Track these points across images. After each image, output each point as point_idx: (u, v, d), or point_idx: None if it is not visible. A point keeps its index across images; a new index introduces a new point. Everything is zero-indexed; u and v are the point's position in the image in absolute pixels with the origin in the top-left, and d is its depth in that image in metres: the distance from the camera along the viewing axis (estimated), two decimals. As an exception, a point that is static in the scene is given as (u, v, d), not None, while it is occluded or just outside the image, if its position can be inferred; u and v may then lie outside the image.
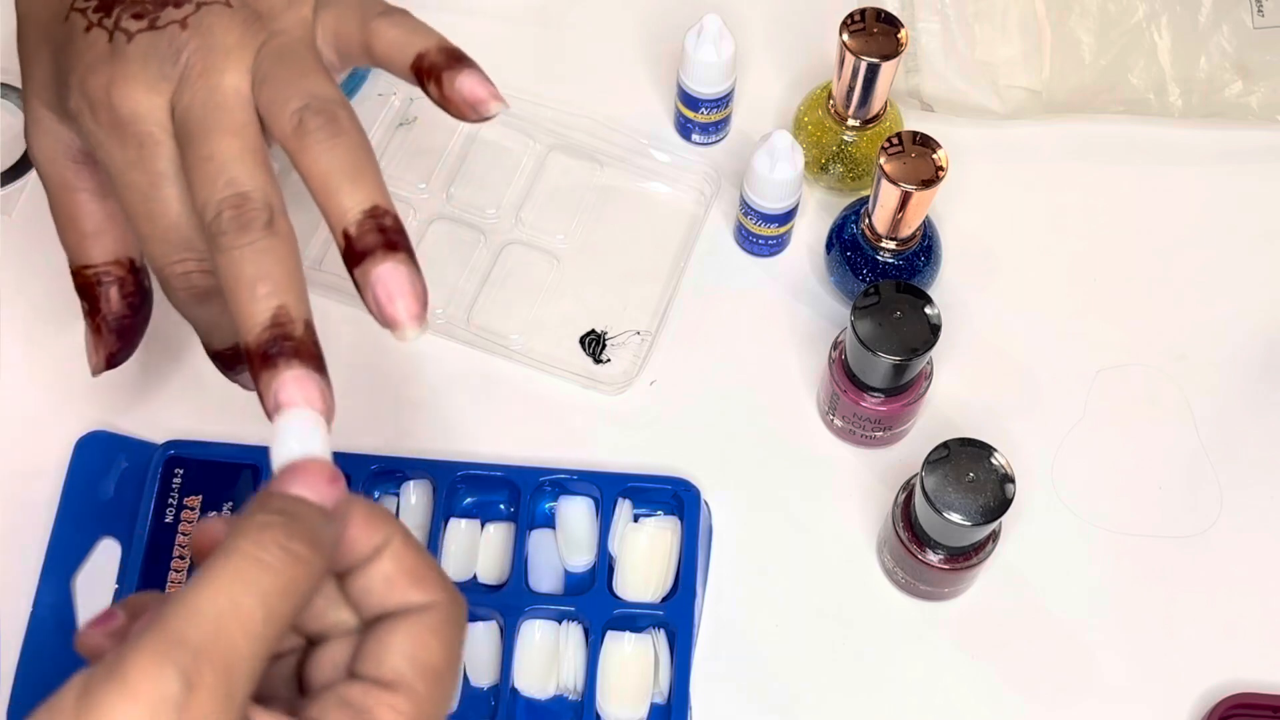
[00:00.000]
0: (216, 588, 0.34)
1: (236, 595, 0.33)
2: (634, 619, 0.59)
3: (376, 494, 0.62)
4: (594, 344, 0.65)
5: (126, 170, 0.47)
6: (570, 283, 0.67)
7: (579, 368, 0.65)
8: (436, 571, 0.39)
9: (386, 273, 0.43)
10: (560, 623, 0.59)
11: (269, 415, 0.41)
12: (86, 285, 0.52)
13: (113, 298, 0.52)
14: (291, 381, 0.41)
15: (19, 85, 0.70)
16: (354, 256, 0.43)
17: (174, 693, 0.31)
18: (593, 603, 0.58)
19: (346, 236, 0.43)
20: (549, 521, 0.62)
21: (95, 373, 0.53)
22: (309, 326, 0.43)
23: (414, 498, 0.61)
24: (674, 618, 0.58)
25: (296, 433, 0.40)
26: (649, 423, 0.65)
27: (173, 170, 0.46)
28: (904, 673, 0.60)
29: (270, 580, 0.34)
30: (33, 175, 0.69)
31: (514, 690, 0.58)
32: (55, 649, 0.59)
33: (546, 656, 0.58)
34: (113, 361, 0.53)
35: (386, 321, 0.43)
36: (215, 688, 0.32)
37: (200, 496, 0.61)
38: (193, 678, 0.32)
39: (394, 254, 0.43)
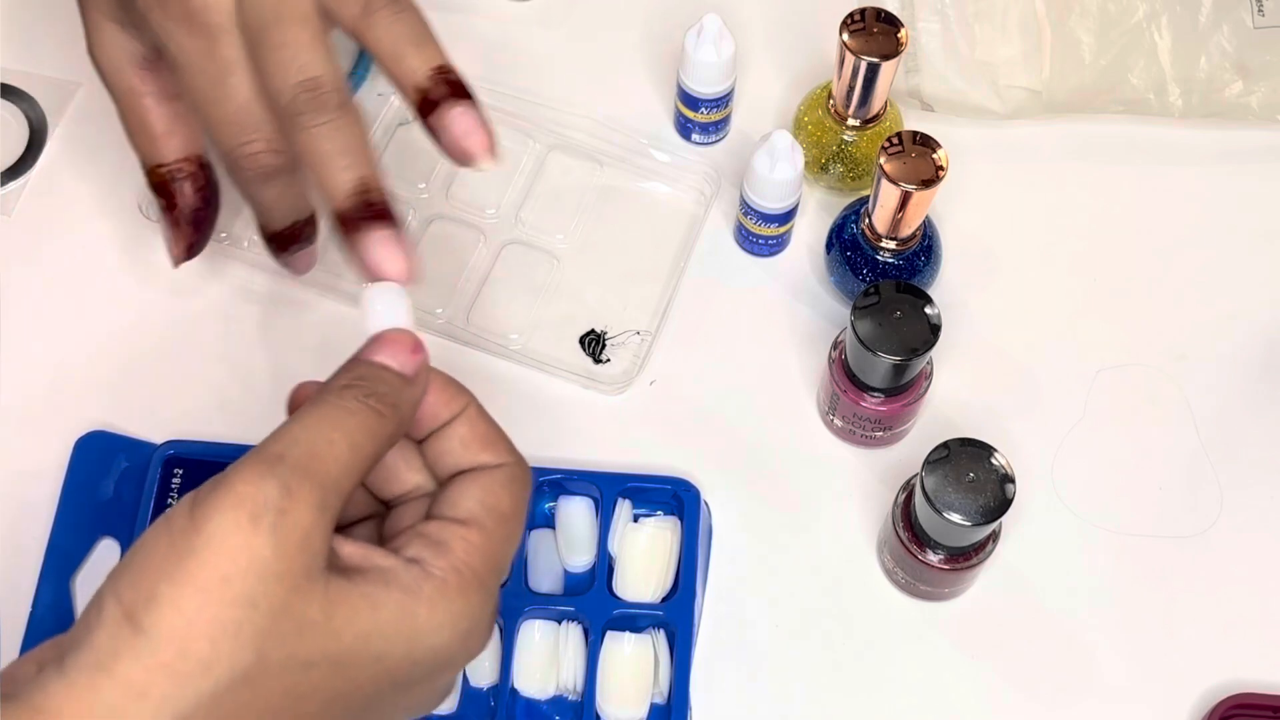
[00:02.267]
0: (309, 423, 0.40)
1: (326, 430, 0.40)
2: (634, 619, 0.59)
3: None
4: (594, 344, 0.65)
5: (198, 59, 0.50)
6: (570, 283, 0.67)
7: (579, 368, 0.65)
8: (506, 439, 0.45)
9: (459, 115, 0.48)
10: (560, 623, 0.59)
11: (363, 273, 0.47)
12: (162, 183, 0.56)
13: (187, 191, 0.56)
14: (378, 242, 0.46)
15: (18, 86, 0.71)
16: (427, 106, 0.49)
17: (275, 498, 0.37)
18: (592, 603, 0.58)
19: (419, 90, 0.49)
20: (548, 522, 0.62)
21: (176, 263, 0.58)
22: (388, 195, 0.48)
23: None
24: (674, 618, 0.58)
25: (382, 305, 0.45)
26: (649, 423, 0.65)
27: (239, 57, 0.49)
28: (904, 673, 0.60)
29: (354, 422, 0.40)
30: (33, 175, 0.69)
31: (513, 690, 0.58)
32: (55, 649, 0.59)
33: (546, 657, 0.58)
34: (191, 252, 0.58)
35: (463, 155, 0.49)
36: (310, 498, 0.38)
37: None
38: (291, 488, 0.38)
39: (465, 100, 0.49)
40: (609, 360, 0.65)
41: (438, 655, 0.41)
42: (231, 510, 0.37)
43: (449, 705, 0.57)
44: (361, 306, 0.45)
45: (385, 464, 0.45)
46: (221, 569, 0.36)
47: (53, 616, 0.59)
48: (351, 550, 0.40)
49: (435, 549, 0.41)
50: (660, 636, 0.58)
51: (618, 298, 0.67)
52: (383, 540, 0.44)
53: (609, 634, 0.58)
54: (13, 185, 0.69)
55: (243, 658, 0.36)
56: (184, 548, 0.36)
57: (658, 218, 0.69)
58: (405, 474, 0.45)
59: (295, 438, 0.39)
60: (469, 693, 0.58)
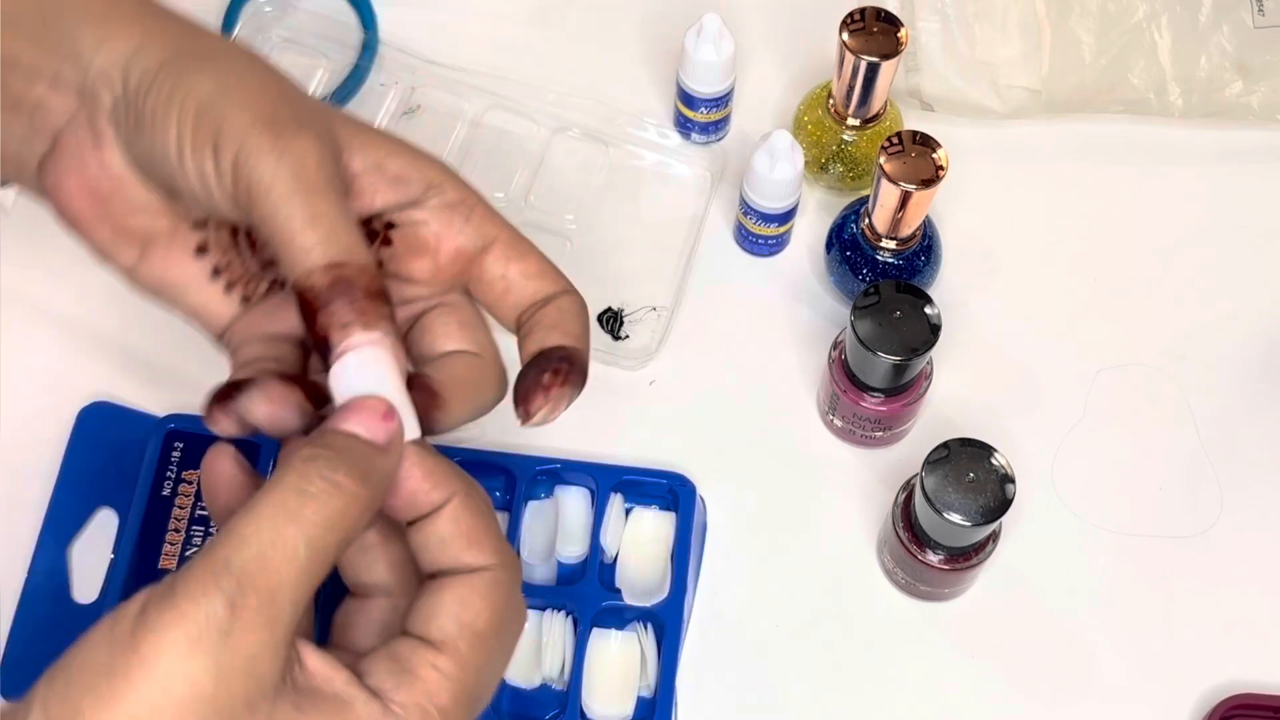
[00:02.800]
0: (261, 518, 0.35)
1: (280, 525, 0.35)
2: (624, 611, 0.59)
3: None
4: (612, 321, 0.66)
5: None
6: (577, 281, 0.67)
7: (600, 343, 0.65)
8: (493, 535, 0.40)
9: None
10: (546, 611, 0.59)
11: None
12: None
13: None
14: None
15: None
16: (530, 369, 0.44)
17: (219, 616, 0.33)
18: (583, 594, 0.59)
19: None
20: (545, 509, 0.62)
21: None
22: None
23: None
24: (663, 612, 0.58)
25: (355, 367, 0.39)
26: (649, 422, 0.64)
27: None
28: (904, 673, 0.60)
29: (313, 511, 0.36)
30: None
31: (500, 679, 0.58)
32: (49, 615, 0.59)
33: (533, 647, 0.58)
34: None
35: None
36: (259, 612, 0.34)
37: (199, 471, 0.61)
38: (236, 602, 0.34)
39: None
40: (628, 336, 0.66)
41: None
42: (172, 629, 0.33)
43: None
44: (333, 371, 0.39)
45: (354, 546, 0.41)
46: (152, 697, 0.33)
47: (48, 584, 0.60)
48: (316, 665, 0.36)
49: (401, 679, 0.37)
50: (648, 631, 0.59)
51: (618, 301, 0.67)
52: (333, 632, 0.41)
53: (595, 631, 0.58)
54: (13, 185, 0.69)
55: None
56: (120, 665, 0.33)
57: (656, 219, 0.69)
58: (371, 567, 0.41)
59: (244, 538, 0.35)
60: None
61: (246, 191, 0.39)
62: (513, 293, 0.45)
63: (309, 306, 0.39)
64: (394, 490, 0.39)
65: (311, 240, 0.39)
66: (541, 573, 0.60)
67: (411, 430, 0.40)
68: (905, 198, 0.59)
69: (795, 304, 0.67)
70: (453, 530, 0.39)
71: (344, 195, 0.41)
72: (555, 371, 0.43)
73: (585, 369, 0.44)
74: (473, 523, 0.40)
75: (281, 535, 0.35)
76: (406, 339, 0.45)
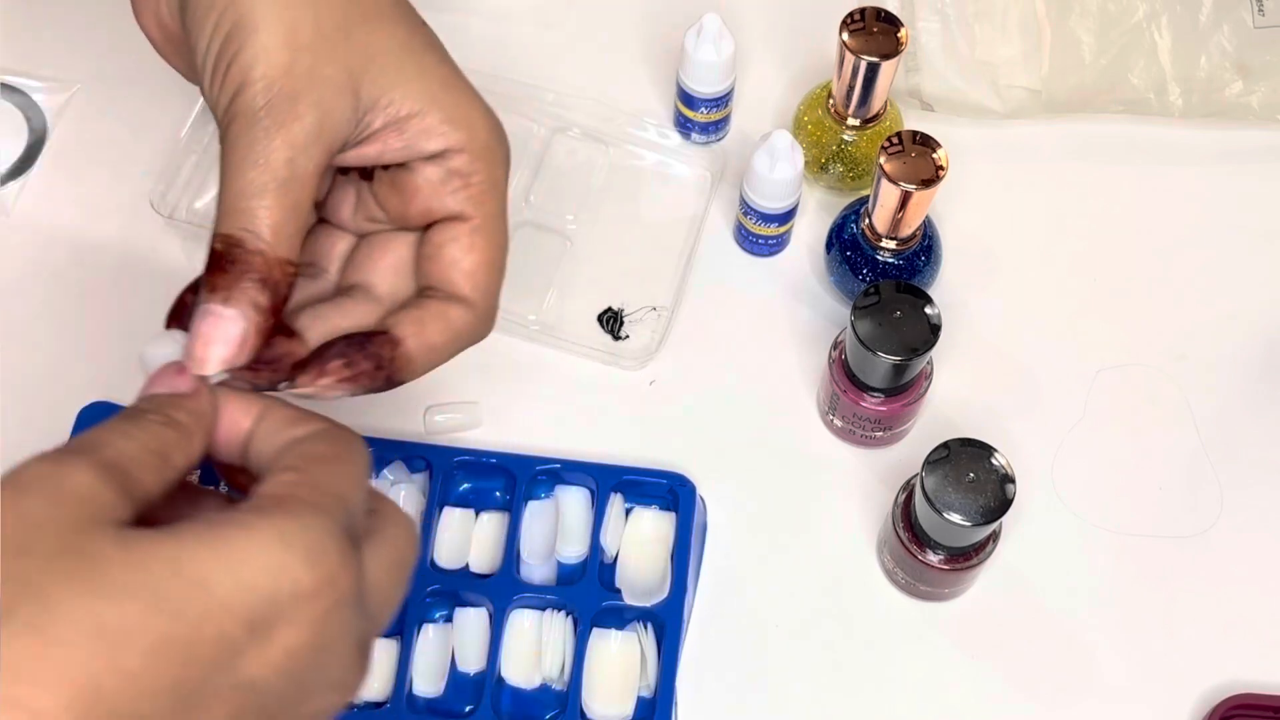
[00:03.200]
0: (89, 435, 0.37)
1: (108, 434, 0.37)
2: (624, 611, 0.59)
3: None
4: (612, 321, 0.66)
5: None
6: (577, 281, 0.67)
7: (600, 343, 0.65)
8: (314, 414, 0.41)
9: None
10: (545, 611, 0.59)
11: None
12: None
13: None
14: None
15: (18, 86, 0.71)
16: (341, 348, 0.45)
17: (42, 469, 0.35)
18: (583, 593, 0.59)
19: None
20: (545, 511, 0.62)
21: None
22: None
23: (407, 486, 0.61)
24: (663, 612, 0.58)
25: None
26: (649, 423, 0.65)
27: None
28: (904, 673, 0.60)
29: (131, 424, 0.38)
30: (32, 175, 0.69)
31: (500, 679, 0.58)
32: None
33: (535, 646, 0.59)
34: None
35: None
36: (81, 463, 0.35)
37: (197, 471, 0.61)
38: (59, 459, 0.35)
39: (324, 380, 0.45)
40: (628, 336, 0.66)
41: (279, 582, 0.34)
42: None
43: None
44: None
45: None
46: None
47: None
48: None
49: (260, 485, 0.37)
50: (648, 631, 0.59)
51: (619, 299, 0.67)
52: None
53: (595, 631, 0.58)
54: (13, 185, 0.69)
55: (23, 608, 0.31)
56: None
57: (656, 219, 0.69)
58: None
59: (74, 439, 0.36)
60: (456, 678, 0.59)
61: (227, 126, 0.41)
62: (434, 265, 0.45)
63: (210, 254, 0.41)
64: (217, 423, 0.41)
65: (242, 205, 0.41)
66: (541, 573, 0.60)
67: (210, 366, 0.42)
68: (905, 198, 0.59)
69: (795, 304, 0.67)
70: (274, 422, 0.40)
71: (310, 178, 0.42)
72: (349, 363, 0.43)
73: (394, 381, 0.43)
74: (291, 411, 0.41)
75: (100, 435, 0.37)
76: (354, 250, 0.47)
